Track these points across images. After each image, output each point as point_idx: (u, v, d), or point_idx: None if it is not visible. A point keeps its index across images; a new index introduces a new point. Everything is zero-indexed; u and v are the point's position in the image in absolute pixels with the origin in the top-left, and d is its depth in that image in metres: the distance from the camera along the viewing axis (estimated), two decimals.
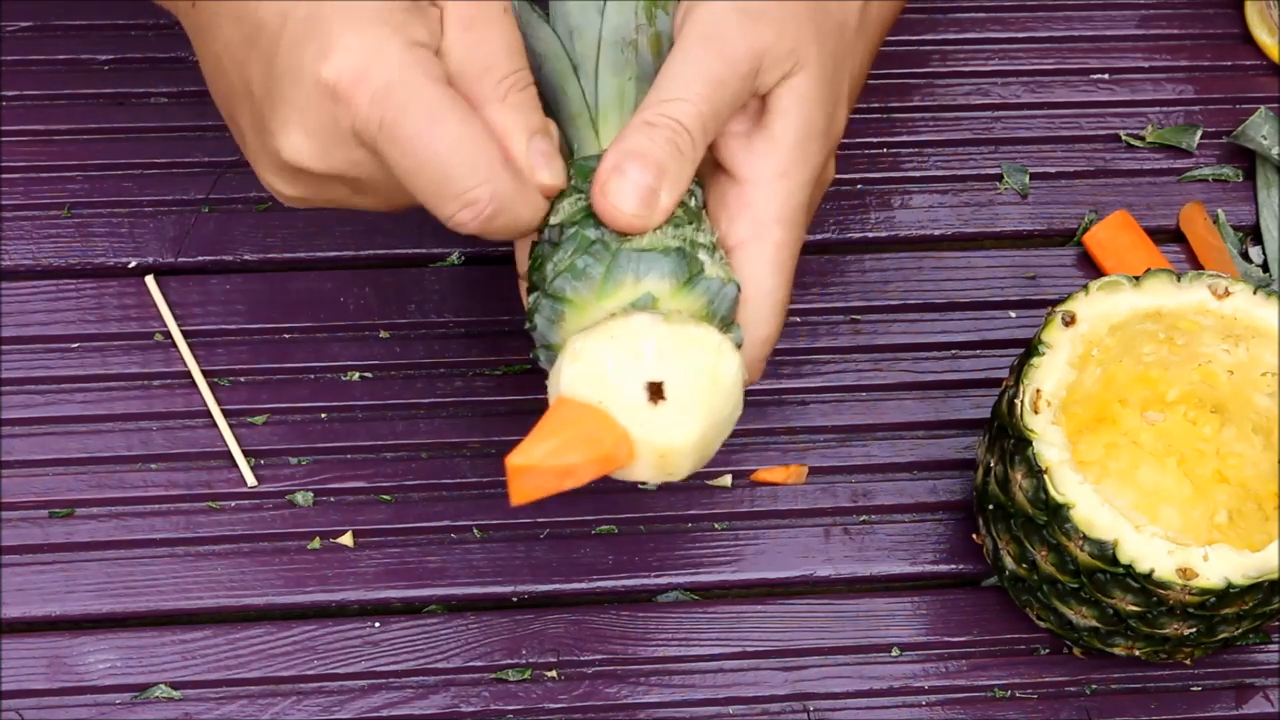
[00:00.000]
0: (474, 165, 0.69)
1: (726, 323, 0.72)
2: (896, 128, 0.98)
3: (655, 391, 0.69)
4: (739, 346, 0.72)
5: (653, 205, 0.70)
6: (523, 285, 0.75)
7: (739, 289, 0.72)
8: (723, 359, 0.70)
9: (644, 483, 0.74)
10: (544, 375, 0.91)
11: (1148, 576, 0.76)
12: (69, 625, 0.85)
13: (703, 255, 0.71)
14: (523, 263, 0.75)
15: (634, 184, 0.70)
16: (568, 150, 0.74)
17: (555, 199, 0.72)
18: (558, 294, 0.71)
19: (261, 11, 0.70)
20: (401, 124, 0.68)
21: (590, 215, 0.71)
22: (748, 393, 0.90)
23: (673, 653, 0.85)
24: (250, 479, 0.86)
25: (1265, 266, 0.95)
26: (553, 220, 0.72)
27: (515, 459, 0.69)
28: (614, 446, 0.69)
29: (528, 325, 0.73)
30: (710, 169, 0.75)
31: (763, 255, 0.73)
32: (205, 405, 0.88)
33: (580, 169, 0.73)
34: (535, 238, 0.73)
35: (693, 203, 0.73)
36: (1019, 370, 0.80)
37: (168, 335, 0.90)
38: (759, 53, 0.72)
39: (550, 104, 0.74)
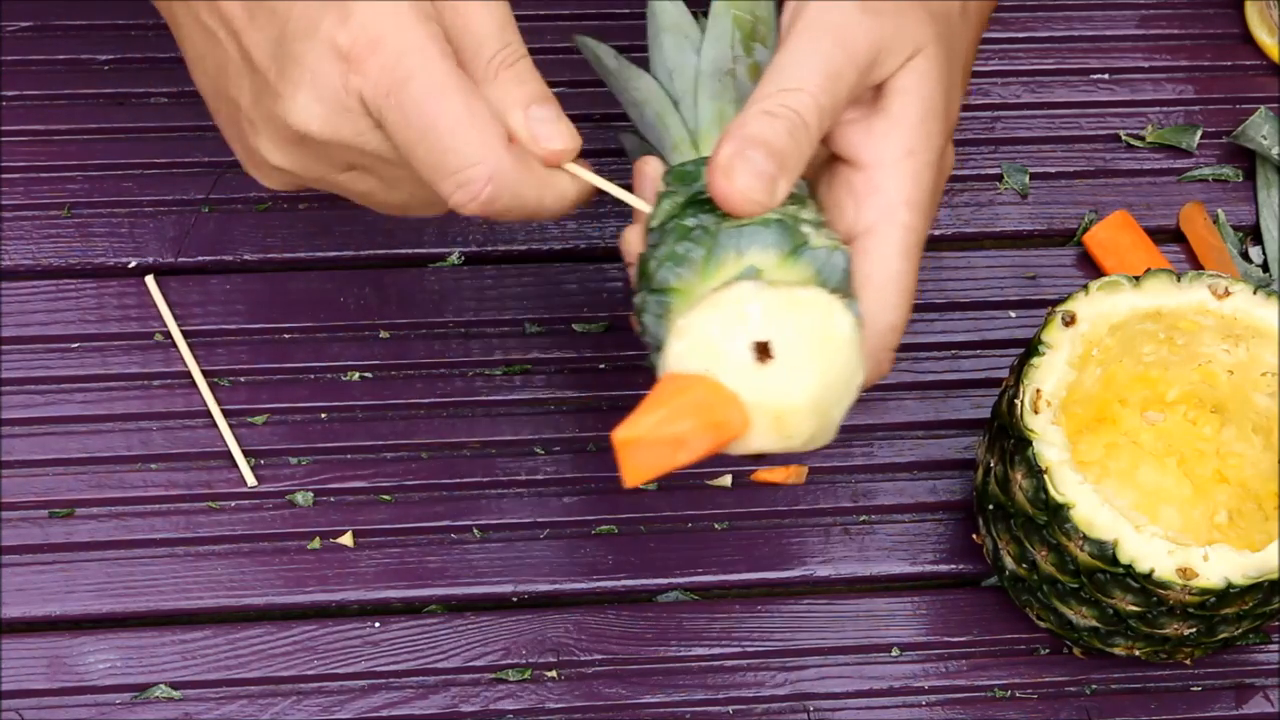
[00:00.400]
0: (473, 144, 0.68)
1: (841, 294, 0.69)
2: None
3: (763, 351, 0.66)
4: (856, 317, 0.69)
5: (771, 192, 0.68)
6: (632, 272, 0.74)
7: (848, 258, 0.69)
8: (834, 318, 0.67)
9: (766, 456, 0.68)
10: (543, 375, 0.91)
11: (1148, 576, 0.76)
12: (69, 625, 0.85)
13: (806, 229, 0.69)
14: (631, 244, 0.74)
15: (757, 170, 0.68)
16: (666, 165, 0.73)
17: (655, 205, 0.71)
18: (661, 285, 0.69)
19: None
20: (408, 93, 0.68)
21: (687, 207, 0.70)
22: None
23: (673, 653, 0.85)
24: (250, 479, 0.86)
25: (1265, 266, 0.95)
26: (651, 225, 0.71)
27: (621, 433, 0.65)
28: (725, 412, 0.66)
29: (639, 332, 0.70)
30: (820, 164, 0.74)
31: (891, 238, 0.71)
32: (205, 405, 0.88)
33: (677, 174, 0.72)
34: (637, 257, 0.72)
35: (794, 189, 0.71)
36: (1019, 370, 0.80)
37: (168, 335, 0.90)
38: (878, 46, 0.71)
39: (653, 142, 0.74)
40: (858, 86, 0.71)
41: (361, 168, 0.72)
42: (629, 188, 0.73)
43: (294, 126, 0.70)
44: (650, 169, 0.73)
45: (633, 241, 0.74)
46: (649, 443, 0.65)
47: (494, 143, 0.69)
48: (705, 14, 0.75)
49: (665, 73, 0.74)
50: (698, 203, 0.70)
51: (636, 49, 0.76)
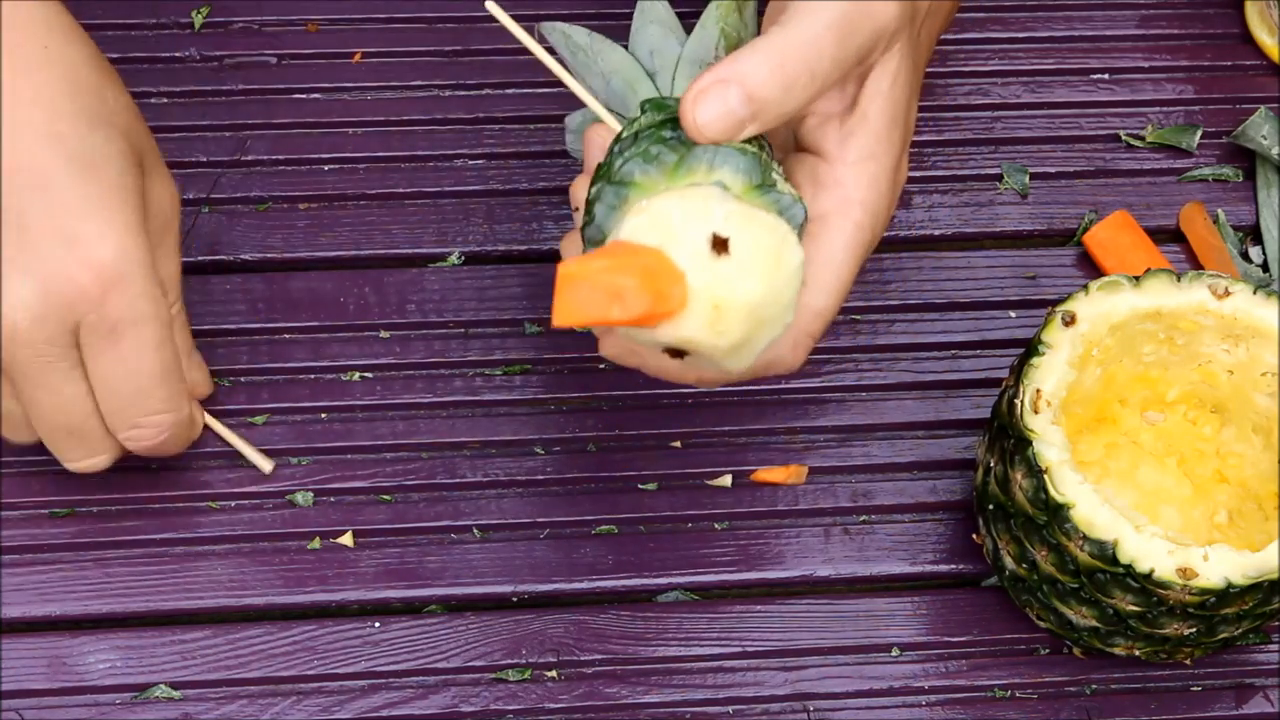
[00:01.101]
0: (172, 395, 0.80)
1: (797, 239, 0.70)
2: None
3: (720, 245, 0.66)
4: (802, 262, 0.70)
5: (734, 134, 0.69)
6: (577, 217, 0.74)
7: (806, 214, 0.70)
8: (788, 247, 0.68)
9: (685, 353, 0.69)
10: (543, 375, 0.91)
11: (1148, 576, 0.76)
12: (69, 625, 0.85)
13: (775, 175, 0.70)
14: (580, 193, 0.74)
15: (730, 109, 0.69)
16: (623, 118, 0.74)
17: (621, 129, 0.72)
18: (625, 178, 0.69)
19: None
20: (139, 335, 0.78)
21: (666, 124, 0.70)
22: (748, 393, 0.91)
23: (673, 653, 0.85)
24: (265, 465, 0.86)
25: (1265, 266, 0.95)
26: (624, 134, 0.71)
27: (567, 267, 0.65)
28: (669, 284, 0.66)
29: (583, 223, 0.70)
30: (787, 149, 0.75)
31: (842, 230, 0.73)
32: (205, 405, 0.88)
33: (655, 104, 0.72)
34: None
35: (759, 146, 0.72)
36: (1019, 370, 0.80)
37: None
38: (889, 18, 0.72)
39: (617, 109, 0.75)
40: (864, 51, 0.71)
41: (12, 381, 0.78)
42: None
43: (4, 309, 0.75)
44: (599, 136, 0.73)
45: (580, 190, 0.74)
46: (590, 285, 0.65)
47: (184, 396, 0.81)
48: (693, 20, 0.76)
49: (645, 52, 0.75)
50: (676, 121, 0.70)
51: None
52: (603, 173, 0.70)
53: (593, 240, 0.70)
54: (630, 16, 0.77)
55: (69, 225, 0.75)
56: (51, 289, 0.74)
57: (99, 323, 0.75)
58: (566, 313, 0.65)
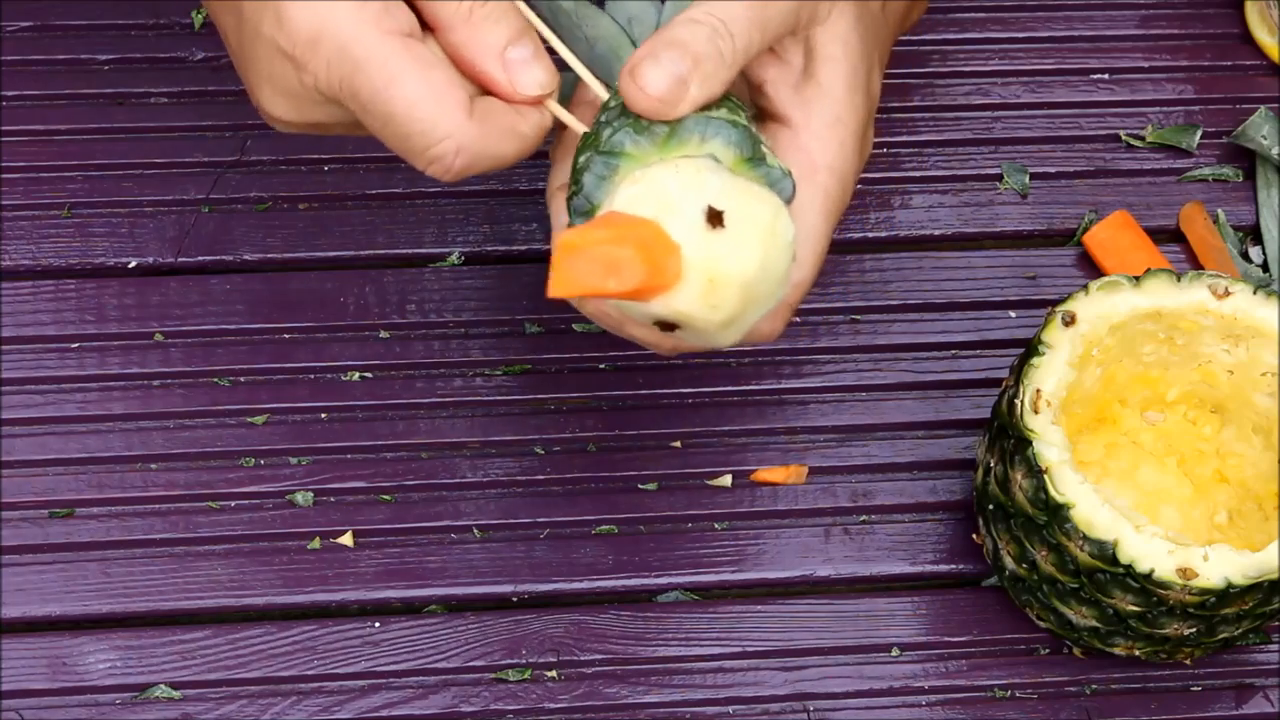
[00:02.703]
0: (435, 121, 0.68)
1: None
2: (896, 128, 0.98)
3: (715, 218, 0.66)
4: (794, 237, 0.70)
5: (680, 95, 0.68)
6: (557, 198, 0.74)
7: (794, 187, 0.70)
8: (780, 221, 0.68)
9: (676, 327, 0.69)
10: (543, 375, 0.91)
11: (1148, 576, 0.76)
12: (69, 625, 0.85)
13: (764, 148, 0.70)
14: (560, 176, 0.74)
15: (665, 70, 0.68)
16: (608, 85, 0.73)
17: (608, 97, 0.71)
18: (615, 148, 0.68)
19: None
20: (359, 84, 0.68)
21: None
22: (748, 393, 0.91)
23: (673, 653, 0.85)
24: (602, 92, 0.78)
25: (1265, 266, 0.95)
26: (611, 104, 0.71)
27: (567, 236, 0.65)
28: (664, 256, 0.66)
29: (570, 193, 0.70)
30: (759, 121, 0.75)
31: (813, 198, 0.72)
32: (205, 405, 0.88)
33: None
34: (578, 141, 0.72)
35: (747, 120, 0.72)
36: (1019, 370, 0.80)
37: (168, 335, 0.90)
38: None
39: (602, 75, 0.74)
40: (787, 20, 0.71)
41: (347, 128, 0.73)
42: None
43: (272, 115, 0.71)
44: (589, 96, 0.73)
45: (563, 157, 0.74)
46: (588, 256, 0.65)
47: (456, 114, 0.69)
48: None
49: (625, 18, 0.74)
50: None
51: None
52: (590, 142, 0.70)
53: (579, 210, 0.69)
54: None
55: (258, 13, 0.70)
56: (277, 82, 0.70)
57: (328, 85, 0.69)
58: (564, 283, 0.65)
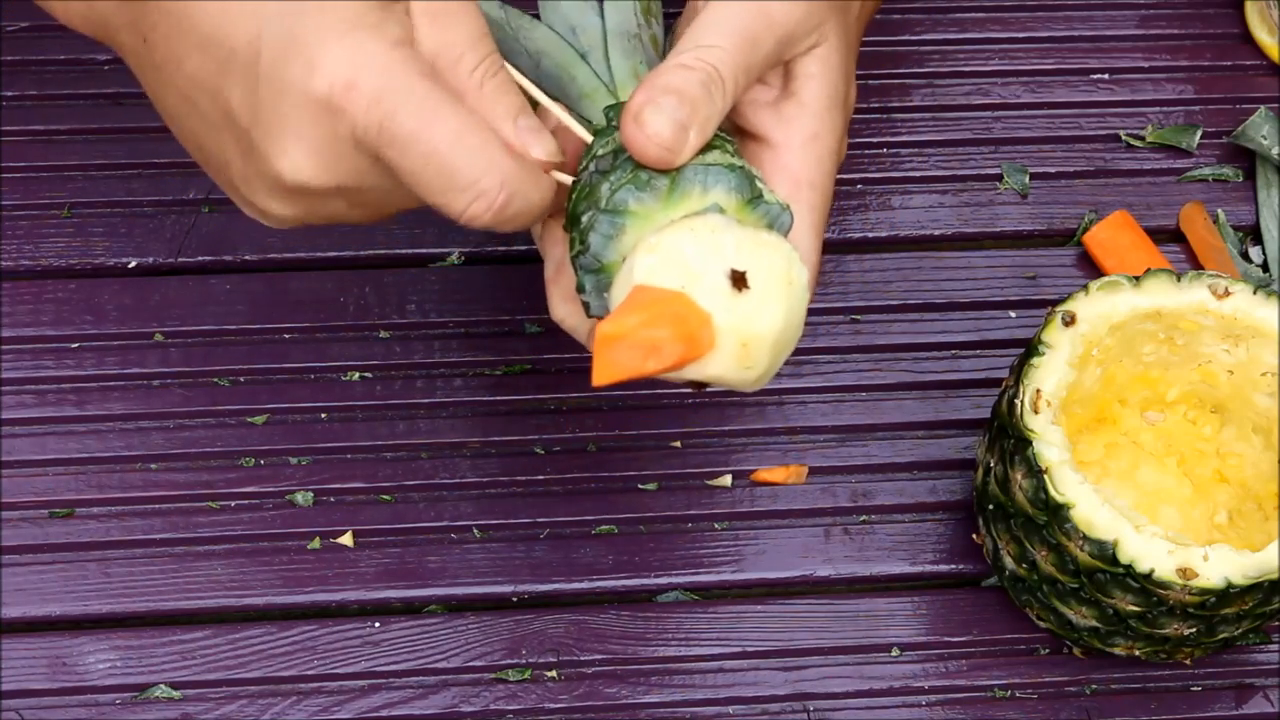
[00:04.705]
0: (479, 156, 0.68)
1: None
2: (896, 128, 0.98)
3: (738, 280, 0.67)
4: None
5: (682, 141, 0.69)
6: (555, 284, 0.74)
7: (793, 219, 0.71)
8: (794, 267, 0.69)
9: (707, 386, 0.69)
10: (543, 375, 0.91)
11: (1148, 576, 0.76)
12: (69, 625, 0.85)
13: (759, 184, 0.70)
14: (552, 266, 0.75)
15: (669, 118, 0.68)
16: (585, 121, 0.73)
17: (592, 141, 0.72)
18: (618, 207, 0.69)
19: (232, 39, 0.69)
20: (400, 124, 0.67)
21: None
22: (748, 392, 0.91)
23: (673, 653, 0.85)
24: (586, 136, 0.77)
25: (1265, 266, 0.95)
26: (600, 152, 0.71)
27: (607, 326, 0.66)
28: (698, 329, 0.67)
29: (575, 251, 0.70)
30: (736, 137, 0.75)
31: (802, 216, 0.73)
32: (205, 405, 0.88)
33: (618, 109, 0.72)
34: (570, 191, 0.72)
35: (734, 152, 0.72)
36: (1019, 370, 0.80)
37: (168, 335, 0.90)
38: (795, 20, 0.72)
39: (554, 92, 0.74)
40: (772, 57, 0.72)
41: (365, 201, 0.72)
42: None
43: (289, 183, 0.70)
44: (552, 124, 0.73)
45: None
46: (628, 343, 0.66)
47: (498, 151, 0.69)
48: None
49: (566, 28, 0.74)
50: None
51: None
52: (586, 193, 0.70)
53: (588, 269, 0.70)
54: None
55: (283, 65, 0.68)
56: (306, 136, 0.69)
57: (366, 130, 0.68)
58: (606, 372, 0.66)
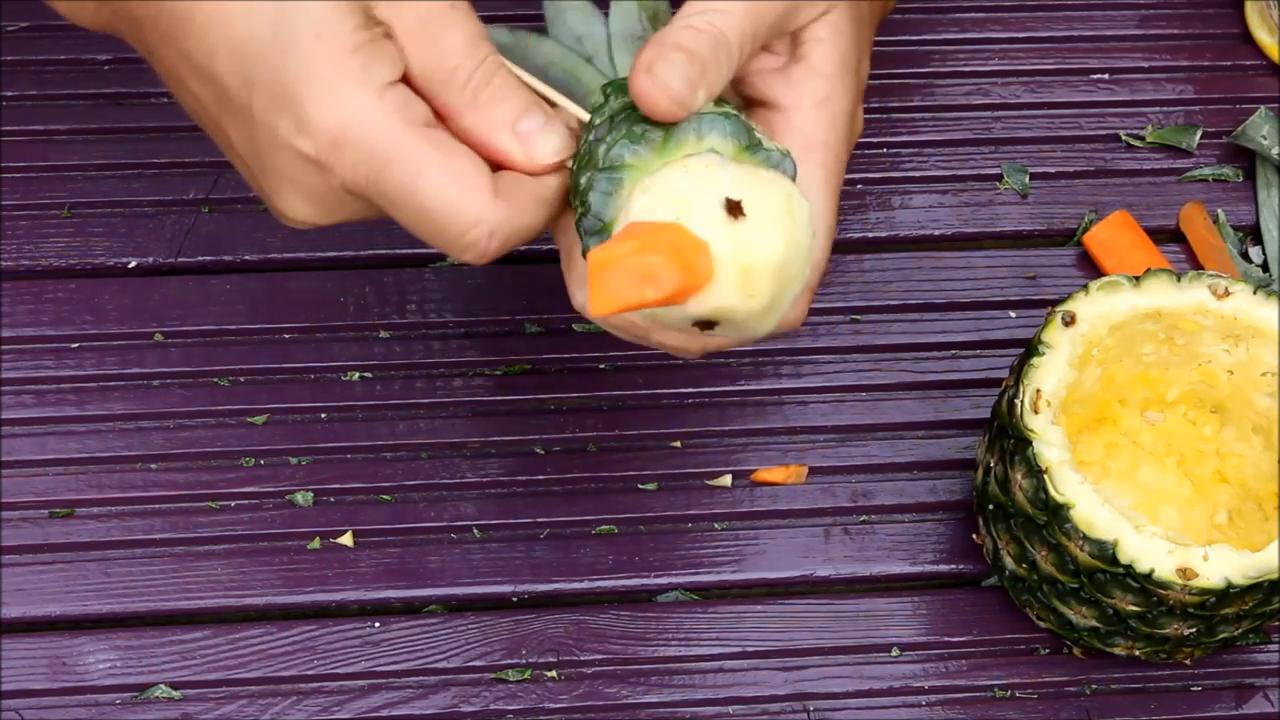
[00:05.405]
0: (465, 209, 0.68)
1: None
2: (896, 128, 0.98)
3: (734, 209, 0.66)
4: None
5: (691, 96, 0.68)
6: (572, 273, 0.74)
7: (796, 166, 0.70)
8: (795, 200, 0.68)
9: (713, 323, 0.68)
10: (543, 375, 0.91)
11: (1148, 576, 0.76)
12: (69, 625, 0.85)
13: (759, 135, 0.70)
14: (567, 258, 0.75)
15: (680, 72, 0.68)
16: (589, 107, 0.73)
17: (590, 117, 0.71)
18: (615, 162, 0.68)
19: (225, 78, 0.69)
20: (387, 180, 0.68)
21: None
22: (748, 393, 0.91)
23: (673, 653, 0.85)
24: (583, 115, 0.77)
25: (1265, 266, 0.95)
26: (596, 122, 0.70)
27: (597, 254, 0.65)
28: (694, 256, 0.66)
29: (578, 213, 0.70)
30: (746, 109, 0.75)
31: (815, 176, 0.72)
32: (205, 405, 0.88)
33: (616, 85, 0.72)
34: (571, 160, 0.71)
35: (735, 109, 0.72)
36: (1019, 370, 0.80)
37: (168, 335, 0.90)
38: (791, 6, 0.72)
39: (565, 95, 0.74)
40: (778, 24, 0.72)
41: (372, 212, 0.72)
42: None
43: (292, 220, 0.71)
44: (570, 122, 0.73)
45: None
46: (621, 270, 0.65)
47: (483, 199, 0.69)
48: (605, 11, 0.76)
49: (572, 39, 0.75)
50: None
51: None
52: (586, 161, 0.70)
53: (591, 230, 0.69)
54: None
55: (273, 118, 0.69)
56: (300, 186, 0.69)
57: (354, 184, 0.69)
58: (603, 301, 0.65)
